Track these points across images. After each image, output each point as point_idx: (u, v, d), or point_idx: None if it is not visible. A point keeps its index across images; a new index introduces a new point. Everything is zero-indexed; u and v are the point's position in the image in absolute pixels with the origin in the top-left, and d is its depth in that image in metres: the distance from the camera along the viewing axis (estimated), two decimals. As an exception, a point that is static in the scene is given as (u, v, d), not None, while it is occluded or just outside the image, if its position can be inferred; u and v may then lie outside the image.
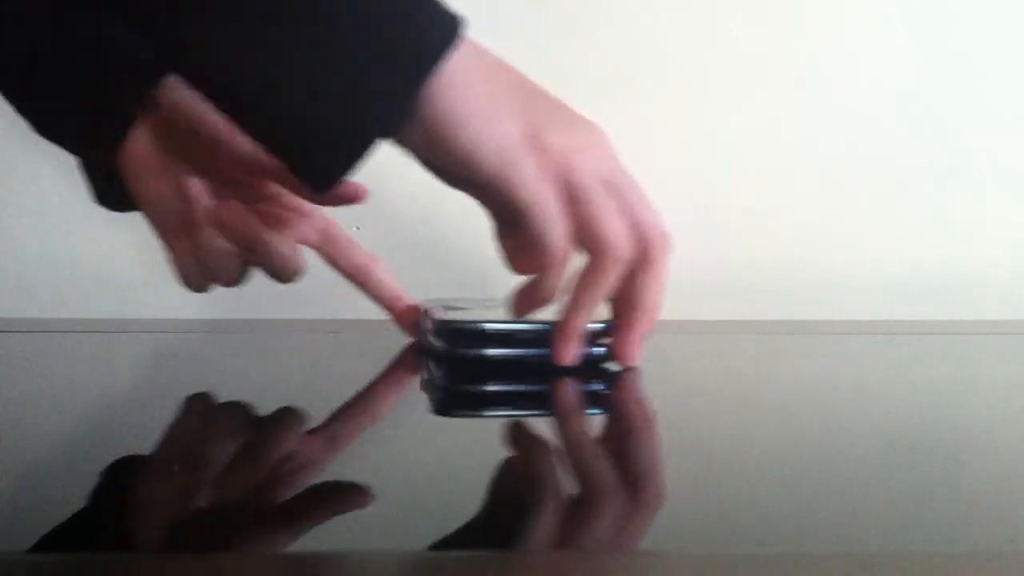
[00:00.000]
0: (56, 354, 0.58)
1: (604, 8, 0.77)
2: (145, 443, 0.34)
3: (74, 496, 0.27)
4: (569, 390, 0.44)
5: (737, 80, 0.78)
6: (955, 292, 0.78)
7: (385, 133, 0.39)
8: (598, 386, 0.45)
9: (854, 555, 0.22)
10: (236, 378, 0.50)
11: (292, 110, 0.38)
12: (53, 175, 0.75)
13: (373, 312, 0.55)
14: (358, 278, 0.53)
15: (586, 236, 0.42)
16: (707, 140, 0.78)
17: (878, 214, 0.79)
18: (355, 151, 0.38)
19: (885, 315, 0.77)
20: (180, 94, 0.40)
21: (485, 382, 0.46)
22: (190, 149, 0.42)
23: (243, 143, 0.41)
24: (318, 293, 0.73)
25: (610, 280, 0.43)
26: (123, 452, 0.33)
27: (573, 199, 0.42)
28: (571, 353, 0.45)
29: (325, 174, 0.40)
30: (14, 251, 0.76)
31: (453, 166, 0.41)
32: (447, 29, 0.39)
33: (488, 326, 0.46)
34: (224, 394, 0.45)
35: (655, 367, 0.51)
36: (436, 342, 0.47)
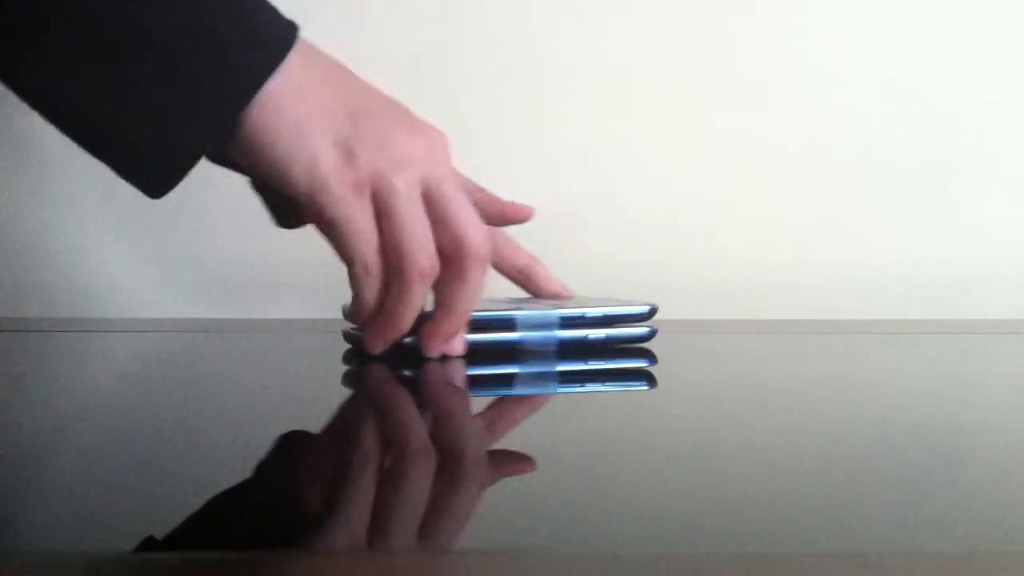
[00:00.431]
0: (56, 354, 0.58)
1: (604, 8, 0.77)
2: (146, 442, 0.34)
3: (75, 496, 0.27)
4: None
5: (737, 80, 0.78)
6: (955, 292, 0.78)
7: (203, 152, 0.42)
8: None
9: (854, 555, 0.22)
10: (236, 377, 0.50)
11: (115, 135, 0.41)
12: (54, 175, 0.75)
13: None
14: (521, 279, 0.55)
15: (392, 255, 0.43)
16: (707, 140, 0.78)
17: (879, 214, 0.79)
18: (178, 170, 0.41)
19: (885, 315, 0.77)
20: None
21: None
22: None
23: None
24: (318, 293, 0.73)
25: (415, 293, 0.44)
26: (123, 452, 0.33)
27: (383, 216, 0.43)
28: (377, 347, 0.46)
29: (152, 189, 0.42)
30: (14, 251, 0.76)
31: (270, 181, 0.43)
32: (269, 55, 0.41)
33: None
34: (223, 394, 0.45)
35: (654, 367, 0.51)
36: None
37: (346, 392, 0.46)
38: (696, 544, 0.24)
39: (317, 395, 0.45)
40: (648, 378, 0.49)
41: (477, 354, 0.49)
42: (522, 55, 0.74)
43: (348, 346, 0.52)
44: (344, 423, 0.39)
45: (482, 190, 0.53)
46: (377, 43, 0.71)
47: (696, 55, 0.78)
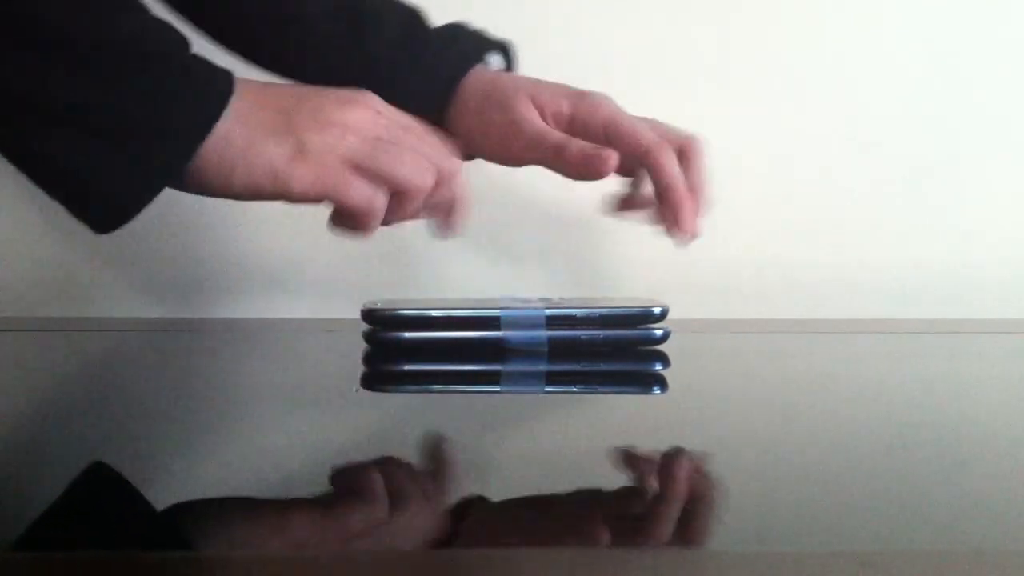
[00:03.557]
0: (56, 354, 0.58)
1: (604, 8, 0.77)
2: (146, 442, 0.34)
3: (74, 495, 0.27)
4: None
5: (737, 80, 0.78)
6: (955, 292, 0.78)
7: (153, 197, 0.44)
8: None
9: (855, 554, 0.22)
10: (237, 377, 0.50)
11: (75, 184, 0.43)
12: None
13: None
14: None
15: (391, 186, 0.48)
16: (707, 140, 0.78)
17: (878, 214, 0.79)
18: (129, 211, 0.44)
19: (885, 315, 0.77)
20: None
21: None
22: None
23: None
24: (317, 293, 0.73)
25: (415, 206, 0.49)
26: (123, 452, 0.33)
27: (360, 170, 0.47)
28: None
29: (102, 226, 0.45)
30: (14, 251, 0.76)
31: (243, 198, 0.47)
32: (216, 101, 0.45)
33: (406, 312, 0.52)
34: (225, 393, 0.45)
35: (647, 366, 0.51)
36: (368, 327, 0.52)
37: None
38: (696, 544, 0.24)
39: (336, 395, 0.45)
40: (641, 378, 0.49)
41: (462, 351, 0.51)
42: (523, 56, 0.74)
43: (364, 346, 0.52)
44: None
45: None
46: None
47: (696, 55, 0.78)
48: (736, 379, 0.49)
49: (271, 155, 0.45)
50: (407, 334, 0.52)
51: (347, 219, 0.49)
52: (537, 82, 0.60)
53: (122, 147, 0.43)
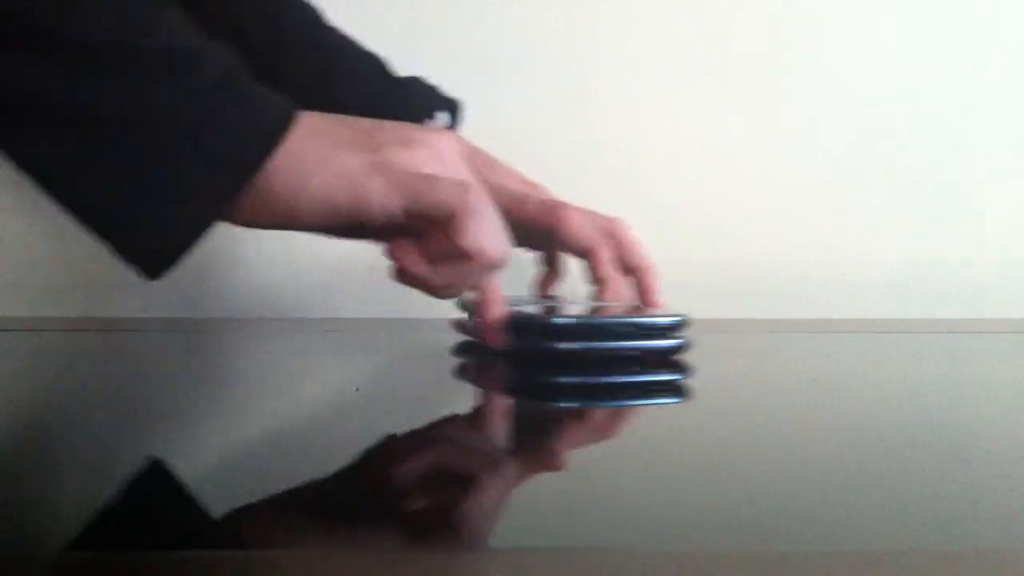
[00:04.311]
0: (56, 354, 0.58)
1: (604, 8, 0.77)
2: (146, 442, 0.34)
3: (75, 495, 0.27)
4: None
5: (737, 80, 0.78)
6: (955, 292, 0.78)
7: (210, 229, 0.41)
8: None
9: (856, 553, 0.22)
10: (237, 377, 0.50)
11: (118, 216, 0.41)
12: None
13: (370, 312, 0.56)
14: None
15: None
16: (707, 139, 0.78)
17: (878, 214, 0.79)
18: (186, 242, 0.41)
19: (885, 315, 0.77)
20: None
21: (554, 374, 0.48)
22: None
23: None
24: (317, 293, 0.73)
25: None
26: (123, 451, 0.33)
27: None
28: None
29: (153, 268, 0.42)
30: (14, 251, 0.76)
31: (313, 220, 0.43)
32: (272, 125, 0.42)
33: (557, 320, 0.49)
34: (225, 393, 0.45)
35: (647, 366, 0.51)
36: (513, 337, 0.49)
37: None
38: (697, 543, 0.24)
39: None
40: (652, 377, 0.49)
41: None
42: (523, 56, 0.74)
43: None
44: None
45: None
46: (385, 43, 0.71)
47: (696, 55, 0.78)
48: (736, 379, 0.49)
49: (349, 166, 0.42)
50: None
51: (447, 236, 0.44)
52: (492, 157, 0.59)
53: (171, 174, 0.40)
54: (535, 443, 0.35)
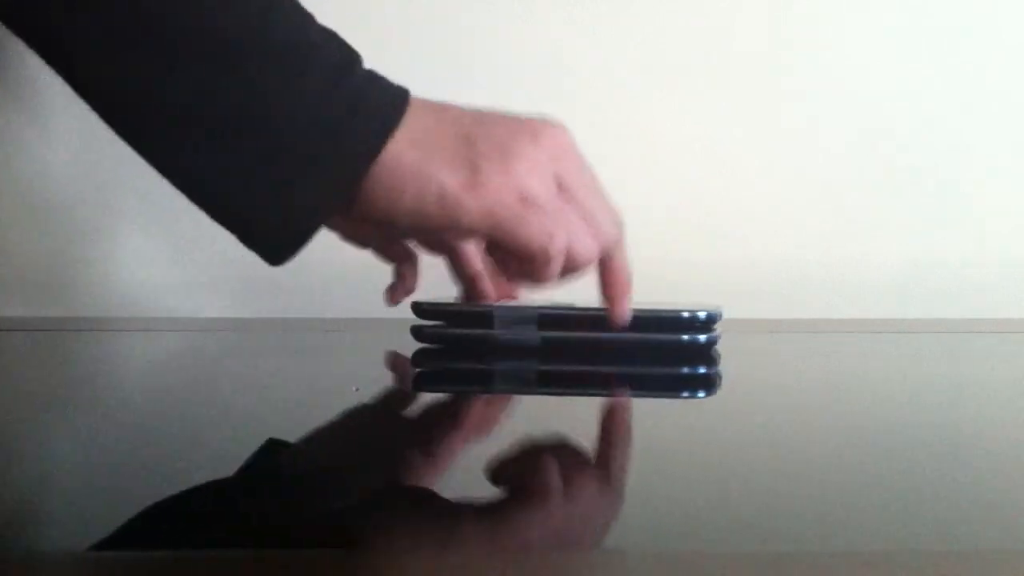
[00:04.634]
0: (56, 354, 0.58)
1: (604, 7, 0.77)
2: (146, 442, 0.34)
3: (75, 495, 0.27)
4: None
5: (737, 80, 0.78)
6: (955, 292, 0.78)
7: (325, 221, 0.43)
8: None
9: (856, 553, 0.22)
10: (237, 377, 0.50)
11: (240, 204, 0.42)
12: (53, 174, 0.75)
13: (369, 312, 0.56)
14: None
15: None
16: (707, 139, 0.78)
17: (878, 214, 0.79)
18: (301, 237, 0.43)
19: (885, 315, 0.77)
20: None
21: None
22: None
23: None
24: (317, 293, 0.73)
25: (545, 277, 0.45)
26: (124, 451, 0.33)
27: (535, 208, 0.44)
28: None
29: (276, 255, 0.44)
30: (14, 251, 0.76)
31: (409, 231, 0.47)
32: (385, 120, 0.43)
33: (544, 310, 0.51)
34: (226, 393, 0.45)
35: (648, 368, 0.51)
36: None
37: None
38: (697, 544, 0.24)
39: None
40: (641, 376, 0.49)
41: (457, 347, 0.51)
42: (524, 55, 0.74)
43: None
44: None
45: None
46: (381, 42, 0.71)
47: (696, 55, 0.78)
48: (736, 379, 0.49)
49: (443, 179, 0.43)
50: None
51: (522, 264, 0.45)
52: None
53: (288, 166, 0.41)
54: (525, 441, 0.35)
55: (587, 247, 0.45)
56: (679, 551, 0.23)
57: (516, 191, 0.43)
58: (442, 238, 0.51)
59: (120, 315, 0.75)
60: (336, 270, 0.72)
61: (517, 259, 0.45)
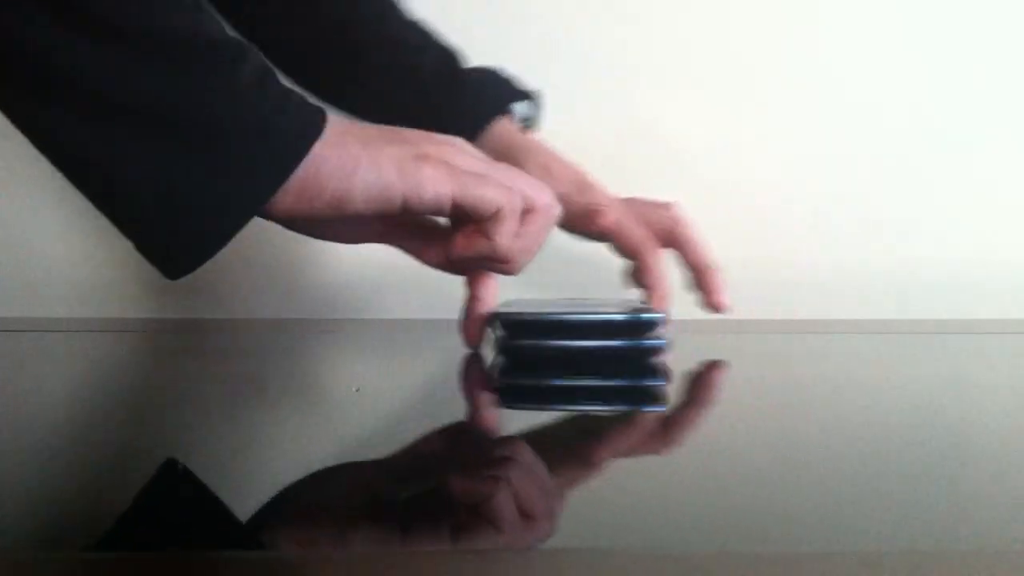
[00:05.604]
0: (56, 354, 0.58)
1: (604, 7, 0.77)
2: (147, 442, 0.34)
3: (75, 495, 0.27)
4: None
5: (738, 80, 0.78)
6: (955, 292, 0.78)
7: (250, 215, 0.41)
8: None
9: (855, 554, 0.22)
10: (237, 377, 0.50)
11: (151, 211, 0.39)
12: (53, 174, 0.75)
13: (370, 312, 0.55)
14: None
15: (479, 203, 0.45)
16: (707, 139, 0.78)
17: (878, 214, 0.79)
18: (210, 249, 0.40)
19: (885, 315, 0.77)
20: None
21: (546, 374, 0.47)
22: None
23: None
24: (318, 293, 0.73)
25: (545, 222, 0.47)
26: (123, 451, 0.33)
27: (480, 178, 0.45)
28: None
29: (172, 269, 0.41)
30: (15, 251, 0.76)
31: (367, 204, 0.43)
32: (313, 116, 0.42)
33: (547, 317, 0.46)
34: (225, 393, 0.45)
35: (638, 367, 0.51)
36: (499, 333, 0.48)
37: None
38: (696, 544, 0.24)
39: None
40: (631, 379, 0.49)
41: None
42: (524, 54, 0.74)
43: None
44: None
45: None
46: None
47: (696, 55, 0.78)
48: (734, 380, 0.49)
49: (395, 152, 0.43)
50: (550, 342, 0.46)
51: (474, 212, 0.44)
52: (552, 155, 0.61)
53: (218, 159, 0.39)
54: (527, 443, 0.35)
55: (544, 193, 0.46)
56: (679, 551, 0.23)
57: (457, 164, 0.44)
58: (403, 220, 0.48)
59: (120, 316, 0.75)
60: (336, 270, 0.72)
61: (476, 223, 0.45)
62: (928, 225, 0.79)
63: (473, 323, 0.49)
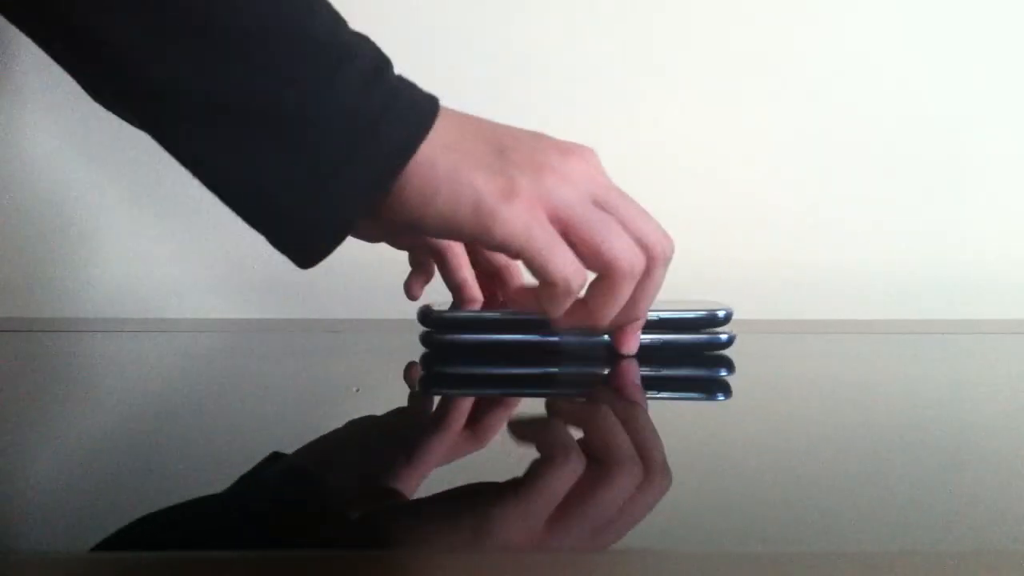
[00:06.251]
0: (56, 354, 0.58)
1: (604, 7, 0.77)
2: (145, 443, 0.34)
3: (75, 495, 0.27)
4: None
5: (738, 80, 0.78)
6: (955, 292, 0.78)
7: (357, 221, 0.42)
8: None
9: (856, 554, 0.22)
10: (238, 378, 0.50)
11: (273, 203, 0.41)
12: (53, 174, 0.75)
13: (370, 312, 0.55)
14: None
15: (594, 259, 0.44)
16: (707, 139, 0.78)
17: (879, 214, 0.79)
18: (334, 238, 0.42)
19: (885, 315, 0.77)
20: None
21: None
22: None
23: None
24: (318, 293, 0.73)
25: (623, 294, 0.45)
26: (124, 452, 0.33)
27: (570, 229, 0.43)
28: (631, 347, 0.50)
29: (306, 257, 0.43)
30: (16, 251, 0.76)
31: (438, 234, 0.45)
32: (418, 122, 0.42)
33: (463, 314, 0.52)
34: (227, 393, 0.45)
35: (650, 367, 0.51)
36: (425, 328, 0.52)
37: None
38: (696, 544, 0.24)
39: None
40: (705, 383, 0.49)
41: (515, 353, 0.51)
42: (523, 54, 0.74)
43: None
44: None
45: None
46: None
47: (696, 55, 0.78)
48: (735, 380, 0.49)
49: (479, 186, 0.42)
50: (464, 336, 0.51)
51: (531, 267, 0.44)
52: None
53: (323, 164, 0.40)
54: (529, 443, 0.35)
55: (633, 255, 0.44)
56: (679, 551, 0.23)
57: (550, 206, 0.43)
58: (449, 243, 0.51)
59: (120, 316, 0.75)
60: (336, 270, 0.72)
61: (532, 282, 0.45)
62: (928, 225, 0.79)
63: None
